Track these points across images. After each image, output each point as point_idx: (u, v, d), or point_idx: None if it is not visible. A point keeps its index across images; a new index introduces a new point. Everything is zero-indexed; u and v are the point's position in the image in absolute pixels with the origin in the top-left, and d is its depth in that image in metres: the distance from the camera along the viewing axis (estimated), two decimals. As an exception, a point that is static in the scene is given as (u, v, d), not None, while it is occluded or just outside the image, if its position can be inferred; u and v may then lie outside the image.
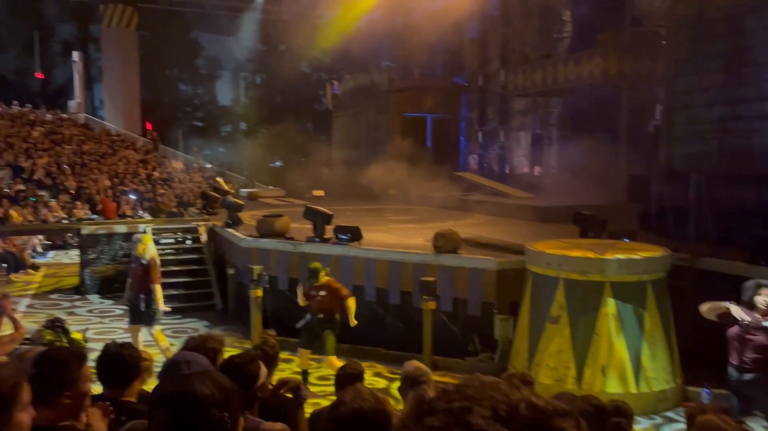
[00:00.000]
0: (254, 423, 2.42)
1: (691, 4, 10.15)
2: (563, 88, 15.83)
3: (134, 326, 7.80)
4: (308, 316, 7.19)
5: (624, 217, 10.89)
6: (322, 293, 7.07)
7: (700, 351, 6.49)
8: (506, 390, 0.80)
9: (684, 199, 8.49)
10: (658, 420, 6.41)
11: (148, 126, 29.41)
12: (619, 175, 13.25)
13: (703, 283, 7.36)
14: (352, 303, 7.12)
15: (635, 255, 6.63)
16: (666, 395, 6.53)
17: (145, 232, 12.06)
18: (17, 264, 13.34)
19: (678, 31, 10.43)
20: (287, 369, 7.85)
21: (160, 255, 11.75)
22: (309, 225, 9.67)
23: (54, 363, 2.18)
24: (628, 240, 7.87)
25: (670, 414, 6.48)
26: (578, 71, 14.62)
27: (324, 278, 7.11)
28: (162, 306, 7.67)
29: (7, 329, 4.39)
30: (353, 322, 7.12)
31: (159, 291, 7.61)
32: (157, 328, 7.69)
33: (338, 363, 6.93)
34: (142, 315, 7.64)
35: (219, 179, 17.99)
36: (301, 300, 7.33)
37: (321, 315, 7.11)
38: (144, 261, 7.63)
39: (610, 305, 6.46)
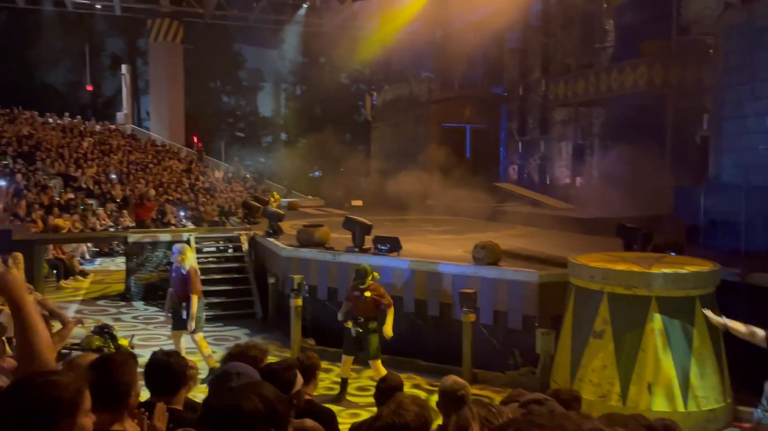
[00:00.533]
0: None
1: (742, 11, 9.88)
2: (606, 98, 15.58)
3: (176, 332, 7.94)
4: (351, 320, 7.17)
5: (670, 230, 10.62)
6: (366, 295, 7.08)
7: (751, 370, 6.26)
8: (577, 420, 0.78)
9: (734, 212, 8.23)
10: (708, 440, 6.20)
11: (194, 139, 30.14)
12: (665, 186, 12.93)
13: (754, 299, 7.11)
14: (391, 313, 7.12)
15: (682, 270, 6.44)
16: (716, 414, 6.31)
17: (187, 241, 12.33)
18: (67, 270, 13.77)
19: (727, 39, 10.15)
20: (326, 378, 7.88)
21: (203, 263, 12.03)
22: (348, 235, 9.71)
23: (117, 367, 2.25)
24: (674, 254, 7.66)
25: (719, 434, 6.26)
26: (622, 80, 14.37)
27: (369, 281, 7.12)
28: (194, 315, 7.74)
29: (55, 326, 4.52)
30: (389, 334, 7.09)
31: (195, 302, 7.66)
32: (200, 335, 7.81)
33: (382, 368, 6.93)
34: (184, 322, 7.78)
35: (274, 193, 18.41)
36: (342, 316, 7.33)
37: (362, 319, 7.13)
38: (184, 272, 7.76)
39: (657, 320, 6.29)
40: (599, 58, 17.11)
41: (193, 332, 7.71)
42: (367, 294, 7.07)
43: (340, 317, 7.37)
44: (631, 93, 14.31)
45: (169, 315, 7.98)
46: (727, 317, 6.68)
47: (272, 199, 17.21)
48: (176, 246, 7.80)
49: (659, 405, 6.15)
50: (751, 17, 9.58)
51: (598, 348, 6.49)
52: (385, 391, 3.54)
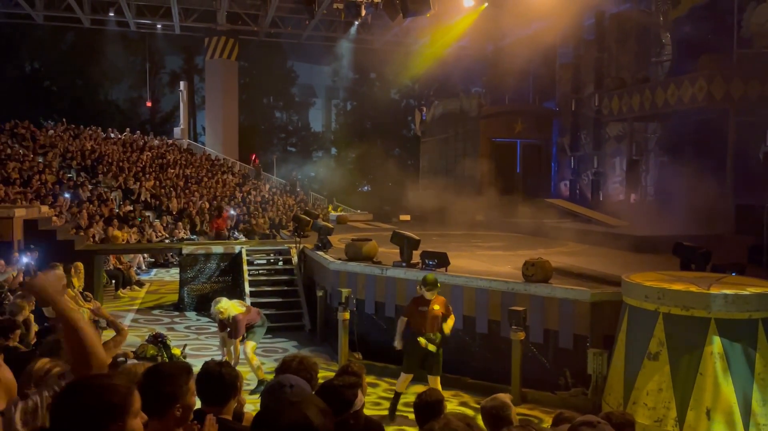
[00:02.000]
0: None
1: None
2: (662, 113, 15.17)
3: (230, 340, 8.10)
4: (423, 341, 6.85)
5: (731, 250, 10.21)
6: (435, 308, 6.85)
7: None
8: None
9: (800, 232, 7.85)
10: (771, 471, 5.89)
11: (252, 156, 30.97)
12: (725, 204, 12.46)
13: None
14: (452, 318, 7.04)
15: (744, 291, 6.17)
16: (780, 444, 5.99)
17: (239, 254, 12.57)
18: (124, 280, 14.25)
19: (792, 51, 9.78)
20: (373, 393, 7.87)
21: (253, 275, 12.25)
22: (396, 250, 9.72)
23: (165, 377, 2.31)
24: (735, 274, 7.35)
25: (785, 465, 5.94)
26: (680, 95, 13.98)
27: (437, 293, 6.93)
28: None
29: (109, 332, 4.68)
30: (447, 332, 6.95)
31: (238, 347, 7.87)
32: (250, 346, 7.93)
33: (440, 389, 6.79)
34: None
35: (339, 208, 18.77)
36: (400, 331, 7.08)
37: (431, 335, 6.86)
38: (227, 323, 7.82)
39: (716, 343, 6.04)
40: (655, 72, 16.70)
41: (245, 341, 7.88)
42: (436, 307, 6.85)
43: (396, 342, 7.07)
44: (689, 108, 13.90)
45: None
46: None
47: (329, 211, 17.62)
48: (212, 310, 7.91)
49: (719, 433, 5.88)
50: (819, 28, 9.18)
51: (654, 370, 6.27)
52: (424, 407, 3.49)
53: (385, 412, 7.21)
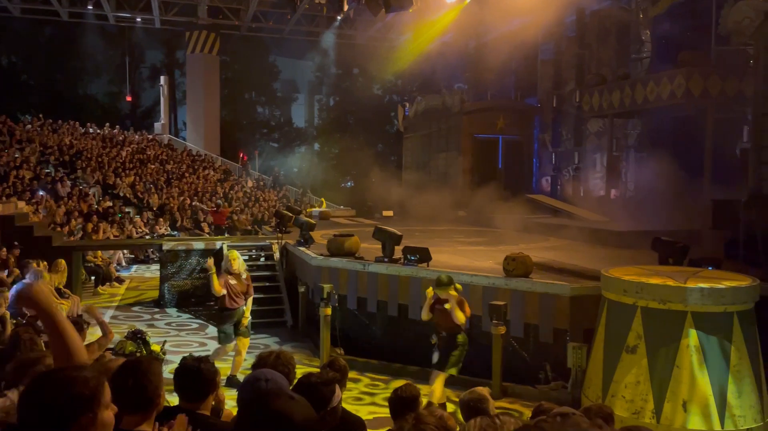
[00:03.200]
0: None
1: (783, 20, 9.64)
2: (642, 109, 15.32)
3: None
4: (434, 336, 6.84)
5: (708, 244, 10.37)
6: (448, 306, 6.72)
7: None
8: (586, 427, 0.76)
9: (775, 226, 7.99)
10: (746, 461, 6.00)
11: (240, 153, 30.77)
12: (703, 199, 12.63)
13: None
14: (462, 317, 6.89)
15: (720, 285, 6.27)
16: (754, 435, 6.11)
17: (220, 250, 12.51)
18: (104, 277, 14.09)
19: (768, 49, 9.92)
20: (354, 388, 7.88)
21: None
22: (378, 245, 9.73)
23: (145, 372, 2.30)
24: (712, 269, 7.46)
25: (759, 456, 6.06)
26: (659, 91, 14.12)
27: (451, 292, 6.76)
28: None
29: (95, 335, 4.64)
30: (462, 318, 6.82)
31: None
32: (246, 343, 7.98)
33: (440, 390, 6.70)
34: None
35: (321, 200, 18.85)
36: (425, 314, 6.98)
37: (444, 334, 6.80)
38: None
39: (692, 336, 6.13)
40: (635, 68, 16.86)
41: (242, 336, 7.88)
42: (447, 306, 6.72)
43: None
44: (668, 104, 14.05)
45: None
46: (766, 333, 6.49)
47: (317, 206, 17.73)
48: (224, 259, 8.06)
49: (695, 424, 5.98)
50: (794, 26, 9.34)
51: (632, 363, 6.35)
52: (398, 403, 3.50)
53: (367, 407, 7.22)
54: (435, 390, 6.70)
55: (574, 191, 18.84)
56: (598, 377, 6.68)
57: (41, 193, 17.60)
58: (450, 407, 7.16)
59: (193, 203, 21.07)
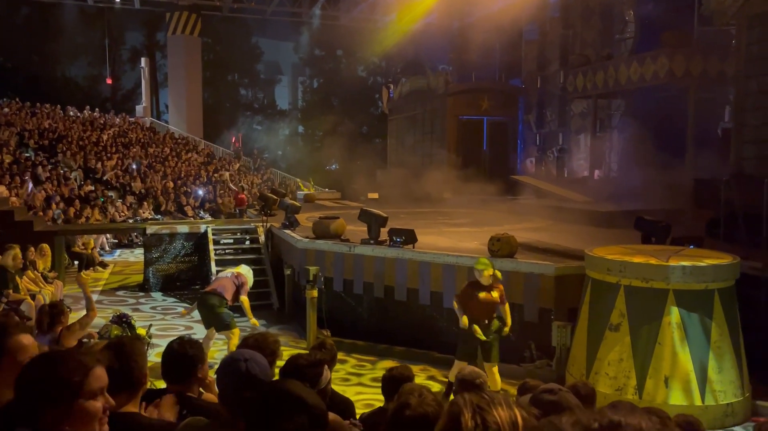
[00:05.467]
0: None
1: (764, 1, 9.68)
2: (626, 90, 15.38)
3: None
4: (477, 329, 6.41)
5: (690, 223, 10.48)
6: (495, 294, 6.45)
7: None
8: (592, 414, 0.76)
9: (756, 205, 8.09)
10: (725, 435, 6.14)
11: (233, 139, 30.41)
12: (685, 179, 12.76)
13: (775, 293, 7.00)
14: (507, 308, 6.64)
15: (701, 263, 6.36)
16: (734, 409, 6.24)
17: (205, 233, 12.45)
18: (87, 261, 13.96)
19: (750, 29, 9.96)
20: (341, 369, 7.91)
21: (219, 255, 12.14)
22: (364, 228, 9.73)
23: (130, 352, 2.29)
24: (693, 247, 7.55)
25: (737, 428, 6.19)
26: (642, 72, 14.18)
27: (489, 276, 6.38)
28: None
29: (75, 315, 4.61)
30: (508, 327, 6.57)
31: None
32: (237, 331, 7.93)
33: (498, 377, 6.47)
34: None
35: (308, 182, 18.92)
36: (461, 316, 6.49)
37: (486, 321, 6.45)
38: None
39: (674, 314, 6.22)
40: (619, 49, 16.89)
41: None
42: (494, 294, 6.44)
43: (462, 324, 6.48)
44: (652, 84, 14.12)
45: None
46: (746, 311, 6.60)
47: (304, 188, 17.79)
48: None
49: (676, 399, 6.09)
50: (775, 6, 9.38)
51: (615, 341, 6.44)
52: (391, 382, 3.53)
53: (354, 387, 7.27)
54: (497, 382, 6.47)
55: (558, 172, 18.95)
56: (582, 355, 6.77)
57: (30, 185, 17.18)
58: (436, 386, 7.23)
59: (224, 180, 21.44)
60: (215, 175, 23.96)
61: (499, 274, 6.63)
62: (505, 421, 1.14)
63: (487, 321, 6.53)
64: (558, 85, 18.68)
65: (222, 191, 21.84)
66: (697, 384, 6.15)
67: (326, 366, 3.03)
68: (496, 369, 6.57)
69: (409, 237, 9.08)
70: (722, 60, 12.94)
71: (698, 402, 6.11)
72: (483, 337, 6.45)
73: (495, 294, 6.51)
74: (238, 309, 8.32)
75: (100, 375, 1.69)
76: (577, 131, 18.98)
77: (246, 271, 8.09)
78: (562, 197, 15.55)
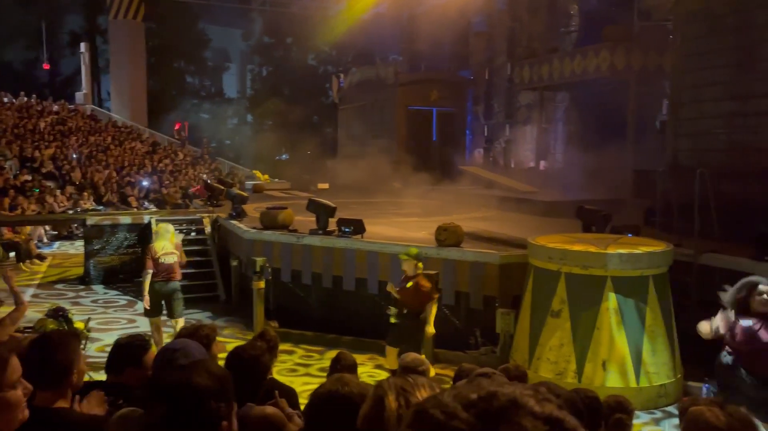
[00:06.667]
0: (246, 408, 2.44)
1: (699, -3, 10.06)
2: (570, 82, 15.76)
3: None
4: (392, 310, 6.64)
5: (629, 212, 10.85)
6: (408, 285, 6.56)
7: (701, 347, 6.47)
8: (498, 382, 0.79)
9: (689, 195, 8.43)
10: (658, 414, 6.41)
11: (177, 125, 29.41)
12: (626, 170, 13.20)
13: (706, 279, 7.33)
14: (433, 308, 6.60)
15: (637, 250, 6.60)
16: (666, 390, 6.52)
17: (149, 224, 12.14)
18: (23, 254, 13.42)
19: (686, 25, 10.34)
20: (289, 360, 7.89)
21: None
22: (313, 218, 9.68)
23: (57, 345, 2.22)
24: (631, 235, 7.83)
25: (669, 408, 6.47)
26: (585, 65, 14.55)
27: (418, 270, 6.57)
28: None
29: (7, 310, 4.41)
30: (431, 331, 6.57)
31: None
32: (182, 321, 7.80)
33: (393, 358, 6.45)
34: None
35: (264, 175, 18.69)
36: (394, 292, 6.68)
37: (405, 311, 6.57)
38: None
39: (612, 299, 6.44)
40: (564, 42, 17.27)
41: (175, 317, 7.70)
42: (409, 285, 6.53)
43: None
44: (594, 78, 14.50)
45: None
46: (678, 296, 6.89)
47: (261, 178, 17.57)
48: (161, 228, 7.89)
49: (613, 382, 6.32)
50: (710, 3, 9.76)
51: (556, 327, 6.62)
52: (335, 370, 3.55)
53: (302, 378, 7.26)
54: (390, 362, 6.55)
55: (505, 163, 19.28)
56: (525, 341, 6.94)
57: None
58: (384, 374, 7.29)
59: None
60: (160, 164, 23.36)
61: (420, 266, 6.69)
62: None
63: (406, 311, 6.58)
64: (505, 77, 18.97)
65: (167, 182, 21.32)
66: (632, 367, 6.39)
67: (267, 360, 3.02)
68: (393, 351, 6.61)
69: (357, 227, 9.09)
70: (660, 54, 13.40)
71: (633, 384, 6.36)
72: (393, 319, 6.61)
73: (409, 284, 6.55)
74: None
75: (15, 366, 1.66)
76: (524, 122, 19.34)
77: (176, 237, 8.03)
78: (508, 187, 15.86)
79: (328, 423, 1.72)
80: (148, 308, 7.56)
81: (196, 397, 1.55)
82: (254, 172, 21.20)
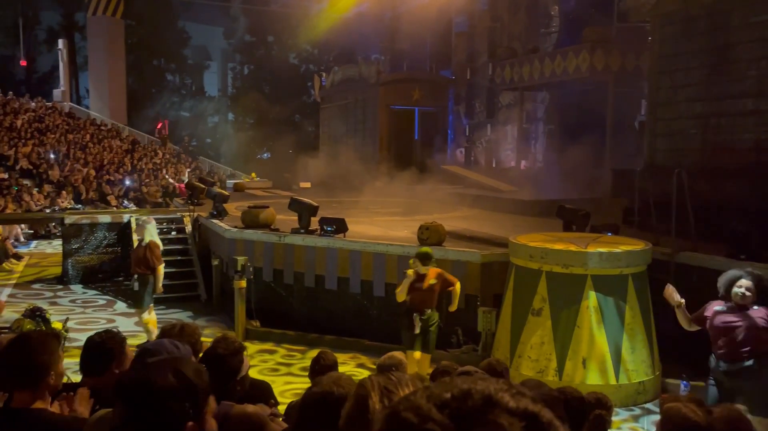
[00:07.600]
0: (226, 407, 2.44)
1: (676, 0, 10.20)
2: (550, 83, 15.88)
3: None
4: (417, 319, 6.37)
5: (608, 212, 10.98)
6: (431, 282, 6.37)
7: (679, 344, 6.58)
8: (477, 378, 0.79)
9: (666, 194, 8.55)
10: (637, 411, 6.50)
11: (159, 125, 29.03)
12: (605, 169, 13.34)
13: (683, 277, 7.44)
14: (459, 287, 6.61)
15: (616, 249, 6.69)
16: (645, 387, 6.62)
17: (128, 223, 12.02)
18: (1, 253, 13.21)
19: (663, 27, 10.48)
20: (270, 359, 7.87)
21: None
22: (294, 217, 9.65)
23: (35, 346, 2.19)
24: (610, 234, 7.93)
25: (648, 405, 6.57)
26: (565, 66, 14.67)
27: (423, 269, 6.39)
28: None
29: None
30: (454, 307, 6.61)
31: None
32: (147, 317, 7.78)
33: (427, 365, 6.36)
34: (134, 296, 7.84)
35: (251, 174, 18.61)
36: (401, 296, 6.49)
37: (429, 310, 6.43)
38: (144, 244, 7.88)
39: (592, 298, 6.52)
40: (545, 43, 17.39)
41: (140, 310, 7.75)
42: (432, 281, 6.37)
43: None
44: (574, 78, 14.63)
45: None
46: (657, 294, 6.97)
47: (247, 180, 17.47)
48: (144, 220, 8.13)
49: (593, 379, 6.40)
50: (686, 5, 9.90)
51: (537, 325, 6.69)
52: (320, 371, 3.56)
53: (283, 377, 7.24)
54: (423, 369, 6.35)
55: (486, 162, 19.38)
56: (506, 339, 6.99)
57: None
58: (365, 373, 7.30)
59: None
60: (140, 163, 23.12)
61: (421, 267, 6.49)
62: None
63: (429, 311, 6.44)
64: (486, 77, 19.05)
65: (147, 179, 21.12)
66: (612, 365, 6.48)
67: (245, 357, 3.01)
68: (426, 358, 6.50)
69: (339, 227, 9.09)
70: (638, 56, 13.56)
71: (613, 381, 6.44)
72: (417, 326, 6.40)
73: (432, 281, 6.37)
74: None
75: None
76: (504, 122, 19.44)
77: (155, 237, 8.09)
78: (489, 186, 15.94)
79: (322, 424, 1.71)
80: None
81: (154, 397, 1.50)
82: (252, 174, 21.06)
